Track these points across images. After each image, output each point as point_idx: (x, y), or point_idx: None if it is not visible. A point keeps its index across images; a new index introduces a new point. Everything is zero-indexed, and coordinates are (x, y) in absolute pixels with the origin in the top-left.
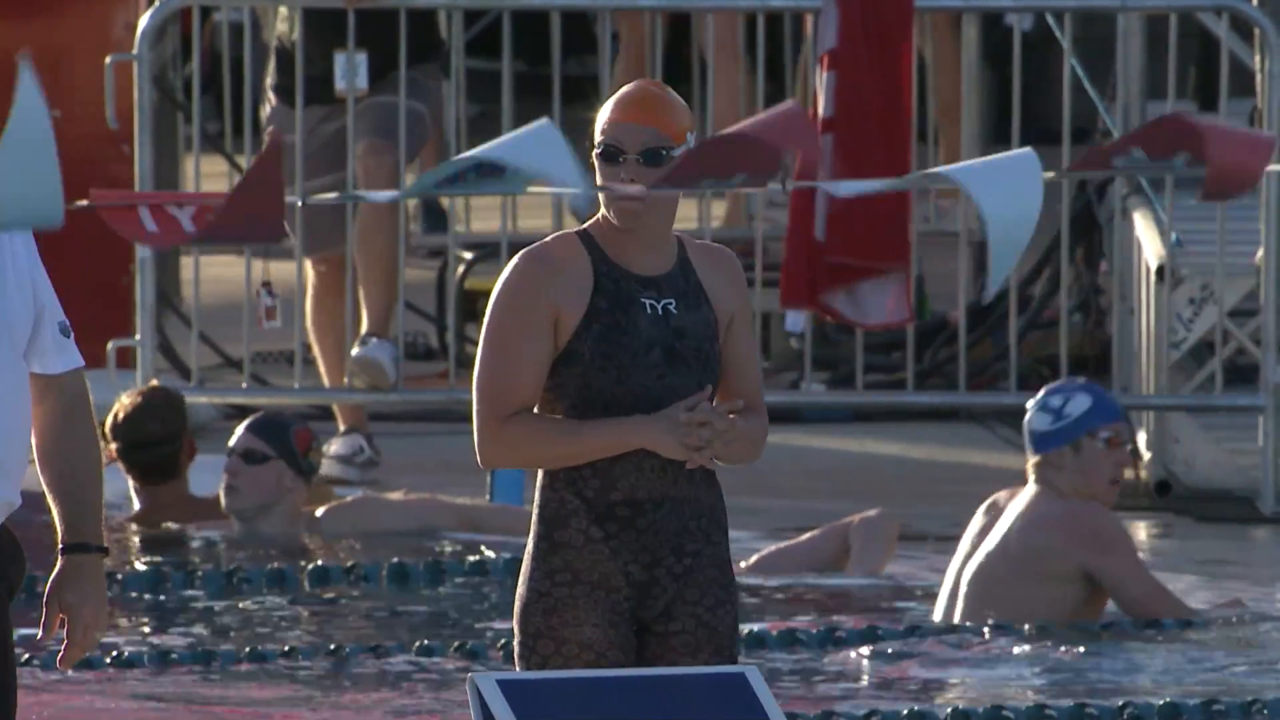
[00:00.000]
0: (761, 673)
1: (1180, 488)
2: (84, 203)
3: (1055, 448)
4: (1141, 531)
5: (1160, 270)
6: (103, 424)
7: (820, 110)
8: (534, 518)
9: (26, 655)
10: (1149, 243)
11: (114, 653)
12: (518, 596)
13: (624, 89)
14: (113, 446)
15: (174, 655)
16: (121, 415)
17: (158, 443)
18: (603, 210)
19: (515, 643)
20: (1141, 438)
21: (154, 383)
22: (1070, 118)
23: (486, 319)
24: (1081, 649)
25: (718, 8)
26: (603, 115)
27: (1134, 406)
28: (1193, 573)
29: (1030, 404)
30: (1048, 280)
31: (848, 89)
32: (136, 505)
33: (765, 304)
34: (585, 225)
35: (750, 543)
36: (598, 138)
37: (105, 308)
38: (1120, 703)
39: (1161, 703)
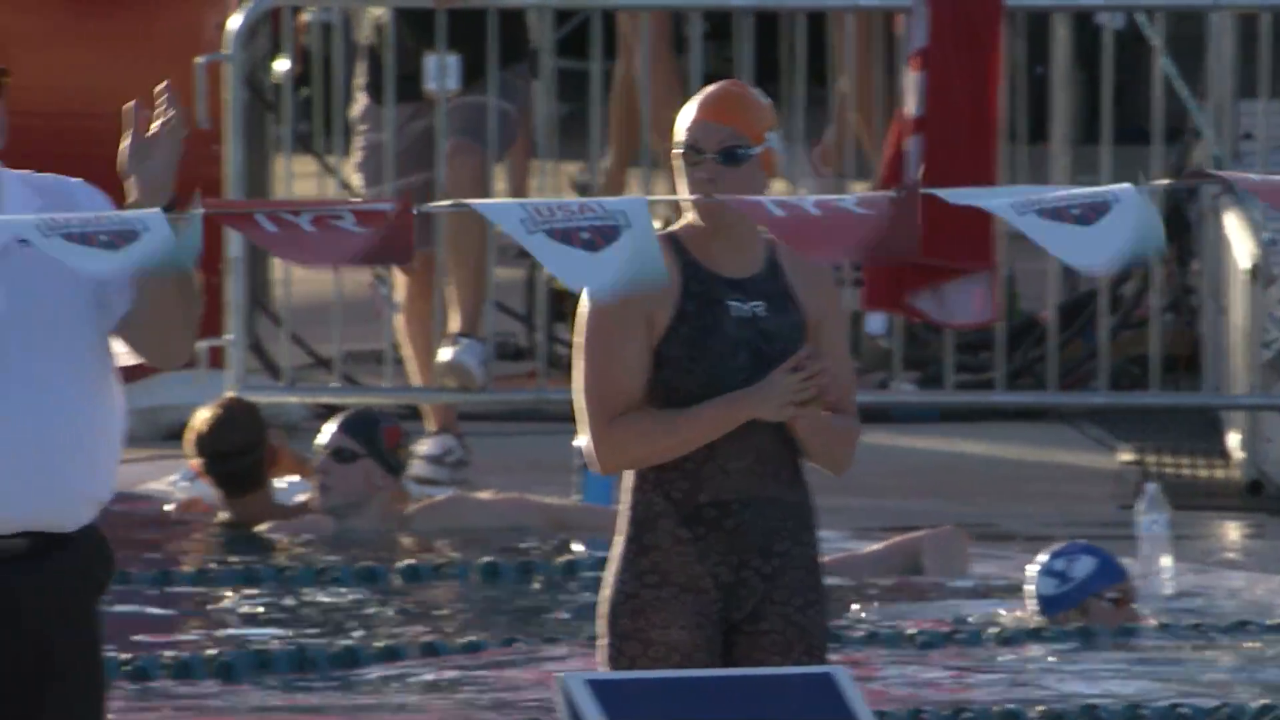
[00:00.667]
0: (849, 672)
1: (1272, 487)
2: (199, 211)
3: (1062, 610)
4: (1233, 532)
5: (1253, 269)
6: (185, 438)
7: (910, 110)
8: (623, 520)
9: (128, 657)
10: (1240, 242)
11: (208, 653)
12: (605, 598)
13: (707, 88)
14: (197, 461)
15: (266, 655)
16: (203, 428)
17: (241, 452)
18: (689, 213)
19: (603, 644)
20: (1234, 438)
21: (230, 394)
22: (1162, 117)
23: (584, 328)
24: (1169, 652)
25: (808, 8)
26: (684, 114)
27: (1225, 406)
28: None
29: (1032, 568)
30: (1139, 279)
31: (938, 89)
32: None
33: (852, 303)
34: (673, 228)
35: (837, 542)
36: (678, 136)
37: None
38: (1215, 703)
39: (1259, 705)
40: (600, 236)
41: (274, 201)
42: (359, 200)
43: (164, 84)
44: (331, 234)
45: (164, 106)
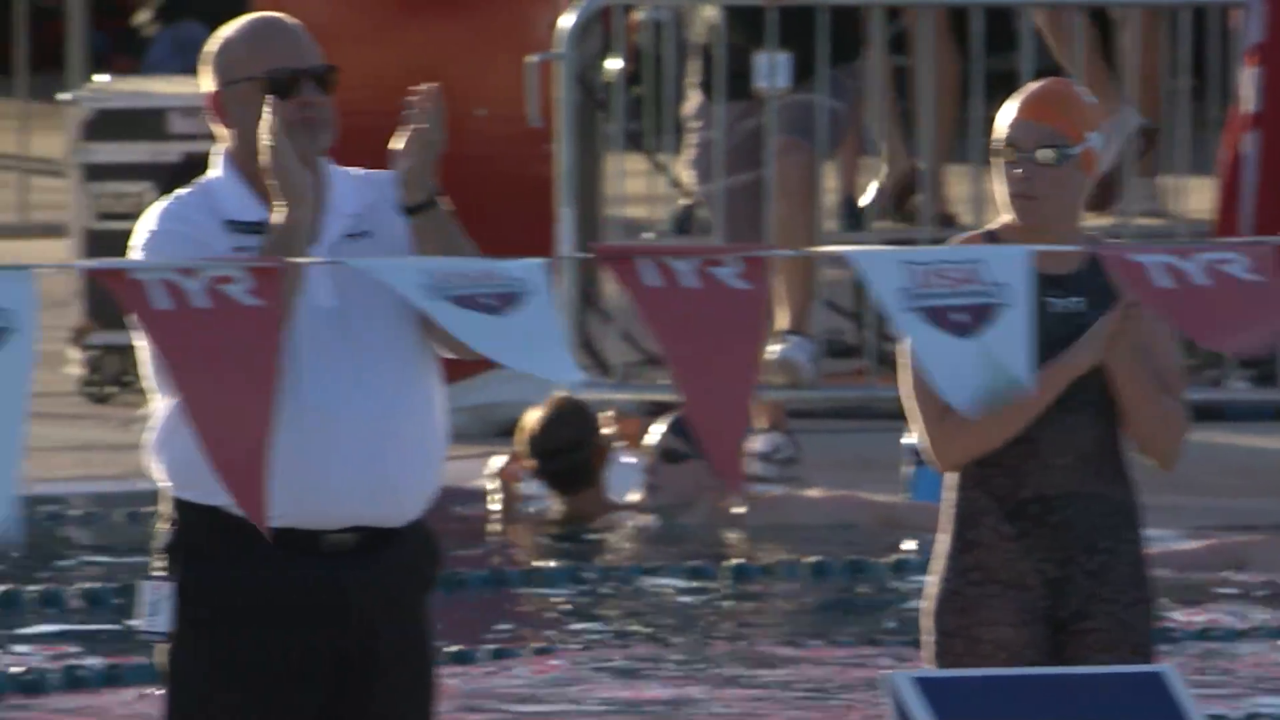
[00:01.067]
0: (1178, 670)
1: None
2: (589, 254)
3: None
4: None
5: None
6: (516, 437)
7: (1247, 106)
8: (946, 517)
9: (456, 647)
10: None
11: (528, 645)
12: (930, 595)
13: (1031, 85)
14: (529, 461)
15: (586, 647)
16: (534, 427)
17: (572, 448)
18: (1006, 212)
19: (928, 641)
20: None
21: (560, 393)
22: None
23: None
24: None
25: (1143, 4)
26: (1006, 111)
27: None
28: None
29: None
30: None
31: (1276, 84)
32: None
33: None
34: (992, 226)
35: (1169, 542)
36: (997, 134)
37: None
38: None
39: None
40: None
41: (659, 247)
42: (754, 245)
43: (431, 85)
44: (713, 287)
45: (425, 106)
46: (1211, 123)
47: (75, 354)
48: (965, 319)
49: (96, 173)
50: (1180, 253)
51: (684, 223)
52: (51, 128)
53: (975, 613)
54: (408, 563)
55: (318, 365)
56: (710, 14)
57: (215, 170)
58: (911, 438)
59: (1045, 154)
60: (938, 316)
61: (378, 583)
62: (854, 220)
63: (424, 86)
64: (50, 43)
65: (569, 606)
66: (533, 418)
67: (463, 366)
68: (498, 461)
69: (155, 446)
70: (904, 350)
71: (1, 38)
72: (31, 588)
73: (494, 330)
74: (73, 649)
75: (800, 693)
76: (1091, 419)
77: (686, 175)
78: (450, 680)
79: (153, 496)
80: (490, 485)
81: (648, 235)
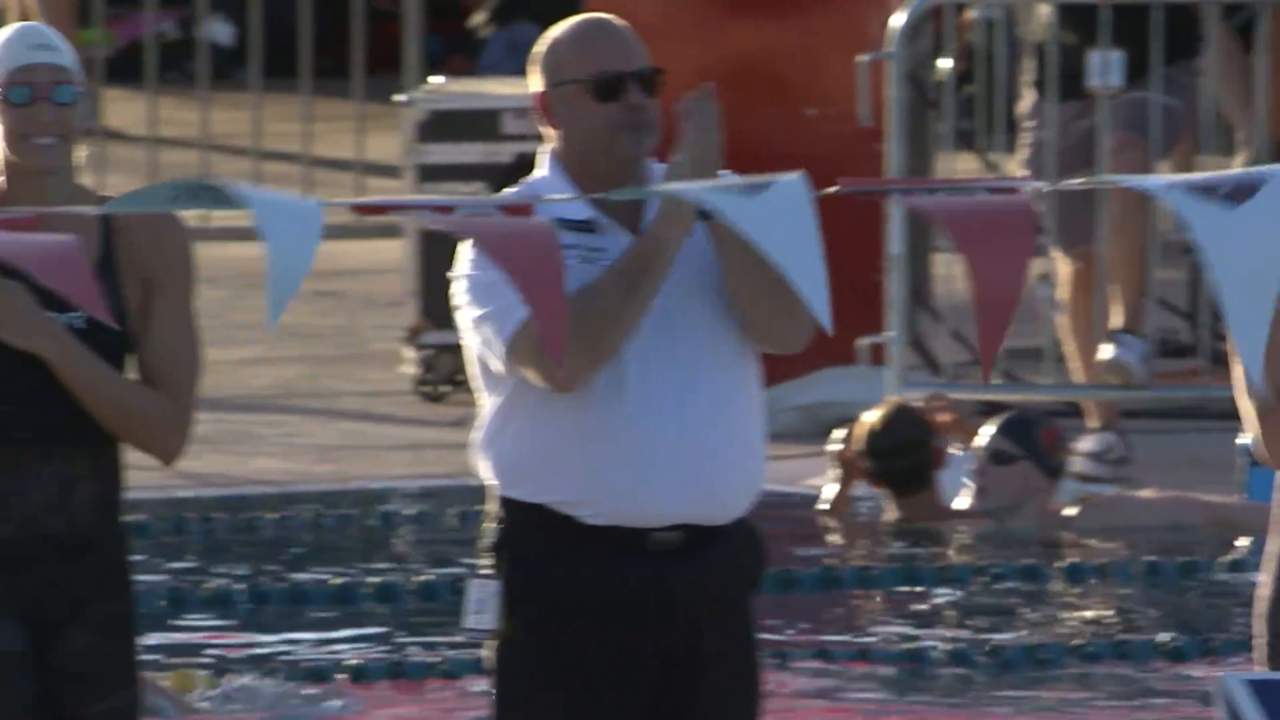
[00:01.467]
0: None
1: None
2: (833, 189)
3: None
4: None
5: None
6: (853, 437)
7: None
8: (1276, 519)
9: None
10: None
11: (856, 645)
12: (1261, 596)
13: None
14: (865, 462)
15: (932, 653)
16: (874, 426)
17: (912, 448)
18: None
19: (1259, 642)
20: None
21: (896, 397)
22: None
23: None
24: None
25: None
26: None
27: None
28: None
29: None
30: None
31: None
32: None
33: None
34: None
35: None
36: None
37: (857, 304)
38: None
39: None
40: None
41: (903, 181)
42: (995, 176)
43: (705, 84)
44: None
45: (699, 108)
46: None
47: (409, 353)
48: (1230, 190)
49: (431, 173)
50: None
51: None
52: (387, 129)
53: None
54: (733, 561)
55: (641, 365)
56: (1044, 11)
57: (541, 170)
58: (1246, 438)
59: None
60: (1207, 190)
61: (703, 581)
62: None
63: (701, 86)
64: (386, 45)
65: (901, 606)
66: (871, 417)
67: (790, 366)
68: (837, 446)
69: (482, 445)
70: (1235, 347)
71: (338, 40)
72: (367, 581)
73: (750, 210)
74: (405, 640)
75: (1130, 693)
76: None
77: (1020, 174)
78: (777, 678)
79: (484, 495)
80: (829, 470)
81: None
